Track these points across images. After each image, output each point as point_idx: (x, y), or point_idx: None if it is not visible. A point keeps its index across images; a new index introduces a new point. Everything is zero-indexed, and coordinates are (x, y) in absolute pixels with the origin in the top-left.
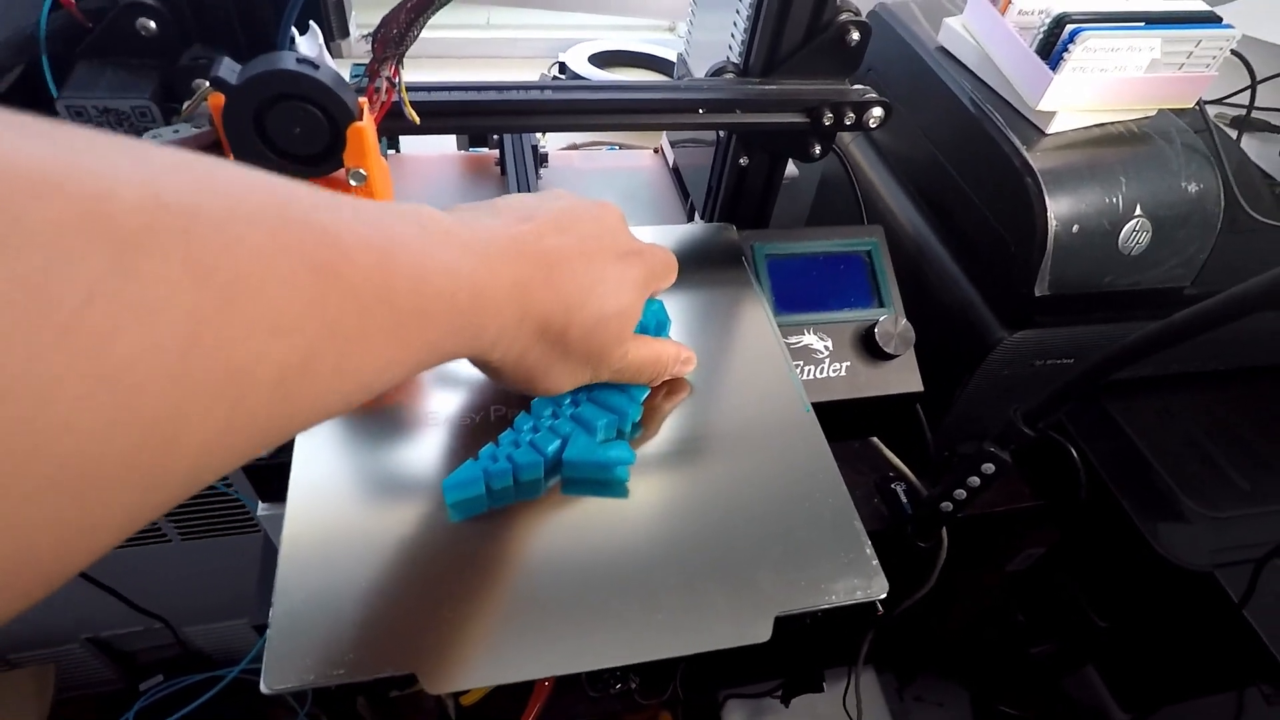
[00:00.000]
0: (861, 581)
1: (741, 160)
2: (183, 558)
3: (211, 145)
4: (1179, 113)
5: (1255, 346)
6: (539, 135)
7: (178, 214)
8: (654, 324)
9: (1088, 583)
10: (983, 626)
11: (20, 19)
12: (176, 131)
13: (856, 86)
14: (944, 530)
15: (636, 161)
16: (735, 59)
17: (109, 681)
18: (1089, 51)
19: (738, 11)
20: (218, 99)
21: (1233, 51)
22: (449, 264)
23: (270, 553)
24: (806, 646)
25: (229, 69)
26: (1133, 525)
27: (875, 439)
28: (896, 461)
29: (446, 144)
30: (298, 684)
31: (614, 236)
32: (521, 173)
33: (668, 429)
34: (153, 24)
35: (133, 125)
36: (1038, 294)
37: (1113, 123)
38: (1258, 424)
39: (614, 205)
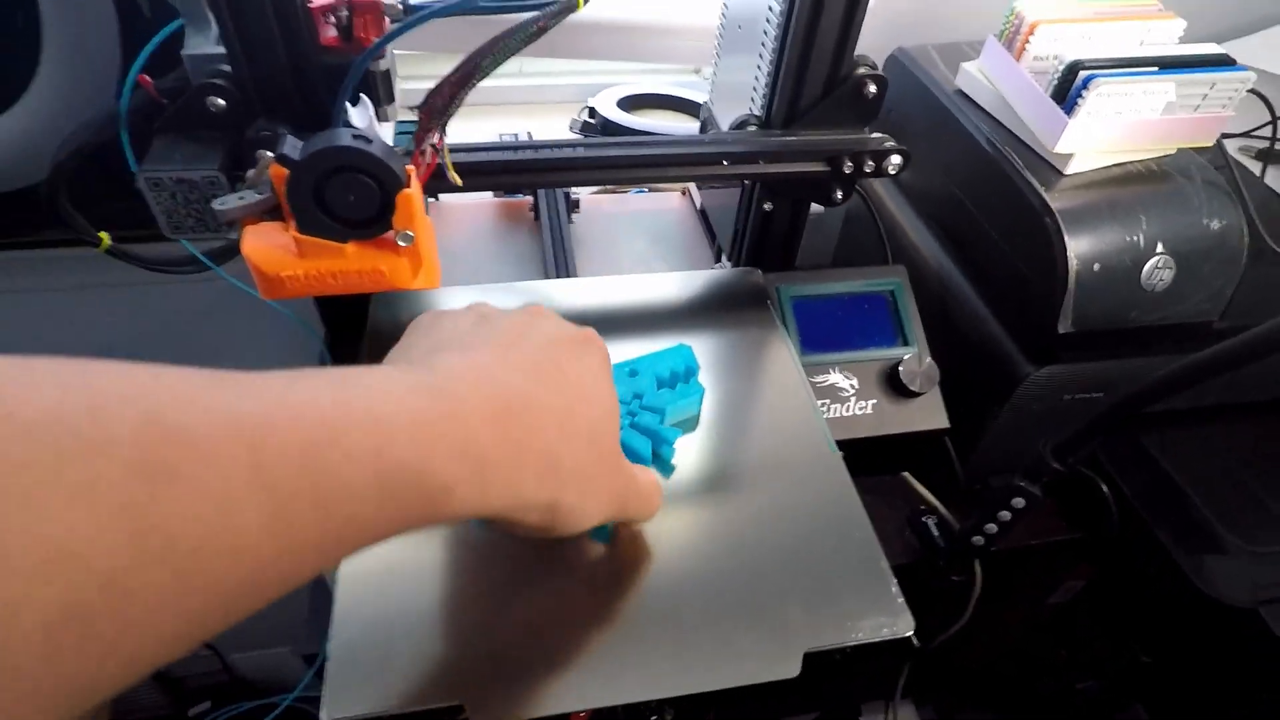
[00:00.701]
0: (888, 619)
1: (766, 206)
2: None
3: (272, 209)
4: (1199, 150)
5: None
6: None
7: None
8: (683, 369)
9: (1131, 618)
10: (1024, 661)
11: (102, 93)
12: (242, 198)
13: (875, 135)
14: (977, 564)
15: (665, 203)
16: (758, 110)
17: (160, 707)
18: (1102, 97)
19: (759, 66)
20: (279, 170)
21: (1250, 90)
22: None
23: (319, 584)
24: (842, 680)
25: (292, 146)
26: (1172, 560)
27: (906, 474)
28: (928, 495)
29: (483, 191)
30: (356, 713)
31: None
32: (554, 218)
33: (696, 468)
34: (222, 101)
35: (203, 193)
36: (1061, 331)
37: (1132, 162)
38: None
39: (599, 344)
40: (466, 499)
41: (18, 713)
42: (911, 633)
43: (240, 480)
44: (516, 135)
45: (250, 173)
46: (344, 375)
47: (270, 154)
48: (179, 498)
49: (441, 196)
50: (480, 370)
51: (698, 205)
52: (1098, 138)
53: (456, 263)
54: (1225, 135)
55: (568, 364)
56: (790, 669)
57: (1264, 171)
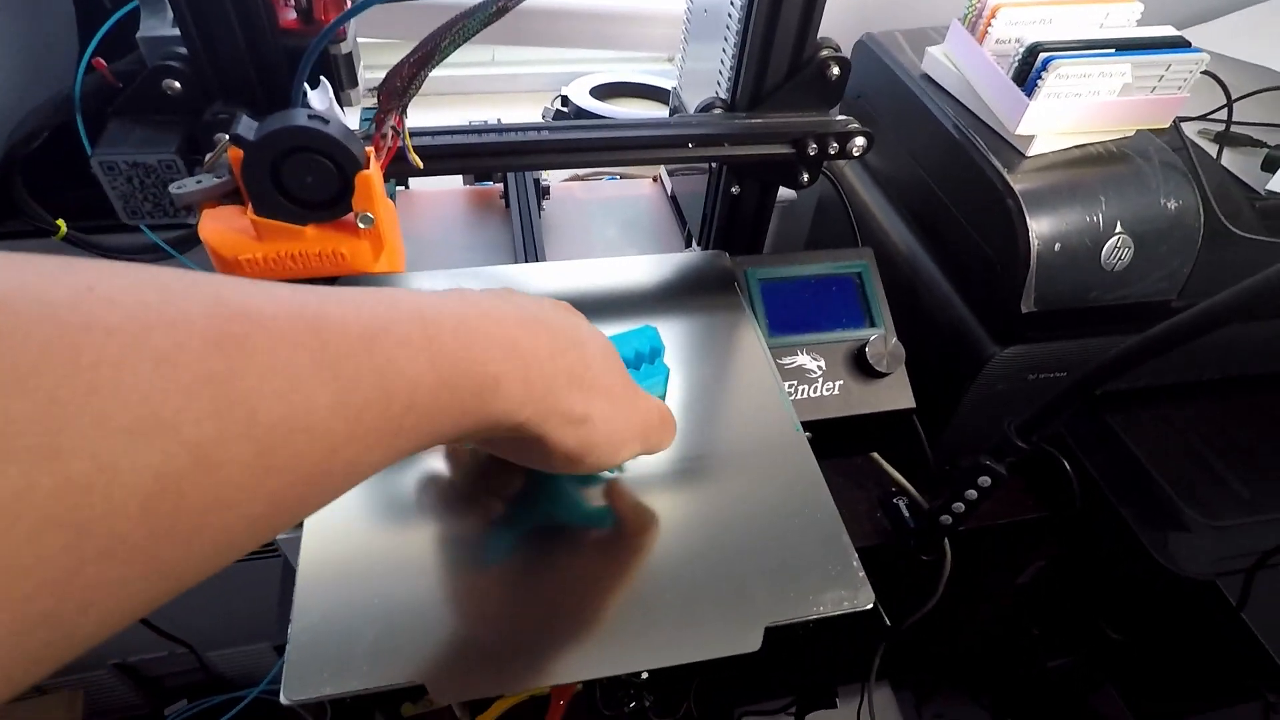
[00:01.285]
0: (848, 593)
1: (733, 189)
2: (205, 582)
3: (231, 193)
4: (1157, 132)
5: (1252, 355)
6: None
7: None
8: (648, 349)
9: (1099, 596)
10: (997, 641)
11: (58, 81)
12: (199, 182)
13: (840, 117)
14: (946, 543)
15: (636, 190)
16: (723, 94)
17: (135, 707)
18: (1061, 78)
19: (724, 50)
20: (237, 152)
21: (1205, 72)
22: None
23: (289, 575)
24: (818, 662)
25: (247, 126)
26: (1135, 536)
27: (876, 454)
28: (897, 476)
29: (453, 179)
30: (315, 695)
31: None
32: (525, 206)
33: (663, 450)
34: (178, 84)
35: (159, 177)
36: (1024, 310)
37: (1092, 144)
38: (1257, 432)
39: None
40: (512, 394)
41: (114, 594)
42: (871, 605)
43: (307, 359)
44: (485, 122)
45: (208, 157)
46: (383, 288)
47: (227, 137)
48: (255, 372)
49: (412, 184)
50: (498, 298)
51: (669, 192)
52: (1058, 119)
53: (427, 250)
54: (1182, 118)
55: (560, 316)
56: (751, 643)
57: (1220, 153)
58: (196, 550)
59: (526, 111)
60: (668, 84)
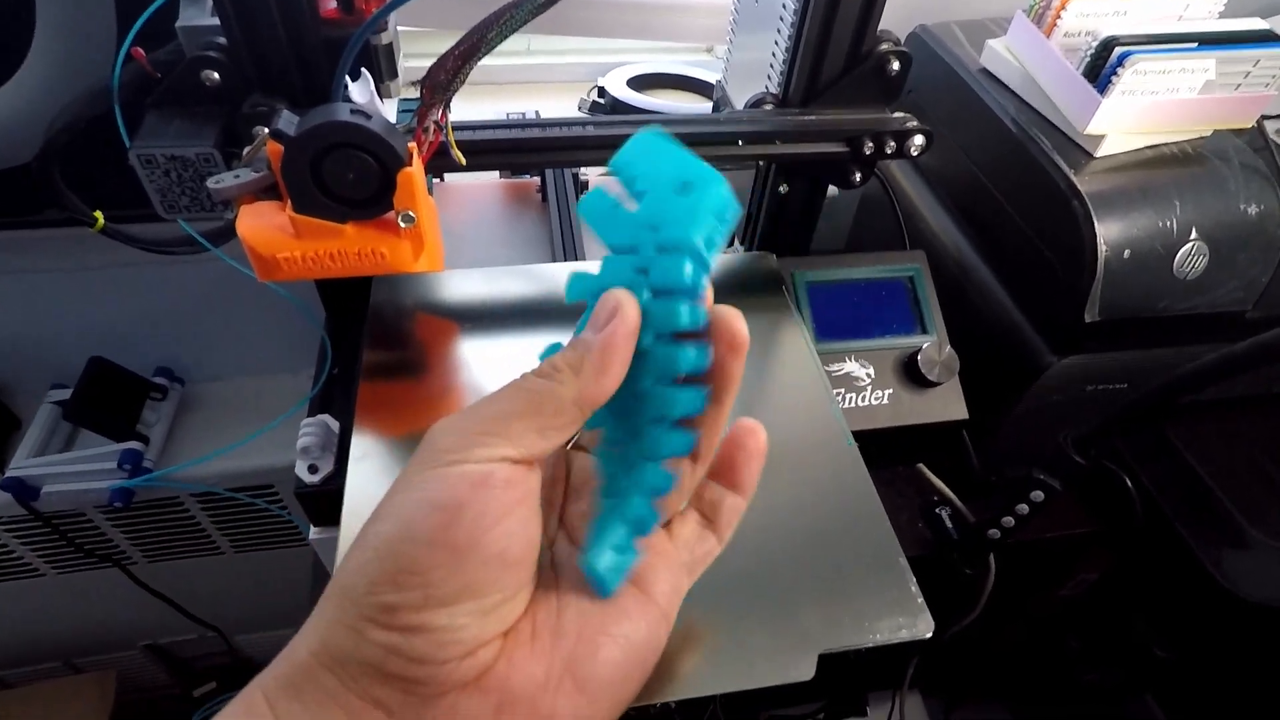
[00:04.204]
0: (906, 620)
1: (781, 188)
2: (235, 569)
3: (269, 188)
4: (1237, 132)
5: None
6: None
7: None
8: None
9: (1148, 612)
10: (1033, 652)
11: (96, 72)
12: (237, 176)
13: (897, 115)
14: (991, 557)
15: None
16: (774, 89)
17: (166, 686)
18: (1139, 75)
19: (776, 43)
20: (276, 147)
21: None
22: None
23: (321, 572)
24: (850, 671)
25: (288, 121)
26: (1192, 554)
27: (921, 465)
28: (942, 487)
29: (489, 172)
30: None
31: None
32: (562, 200)
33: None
34: (216, 75)
35: (197, 171)
36: (1088, 319)
37: (1166, 144)
38: None
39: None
40: None
41: None
42: (930, 634)
43: None
44: (524, 115)
45: (246, 150)
46: None
47: (266, 130)
48: None
49: (446, 177)
50: None
51: None
52: (1131, 118)
53: (462, 245)
54: (1265, 116)
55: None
56: (804, 671)
57: None
58: None
59: (562, 103)
60: (707, 75)
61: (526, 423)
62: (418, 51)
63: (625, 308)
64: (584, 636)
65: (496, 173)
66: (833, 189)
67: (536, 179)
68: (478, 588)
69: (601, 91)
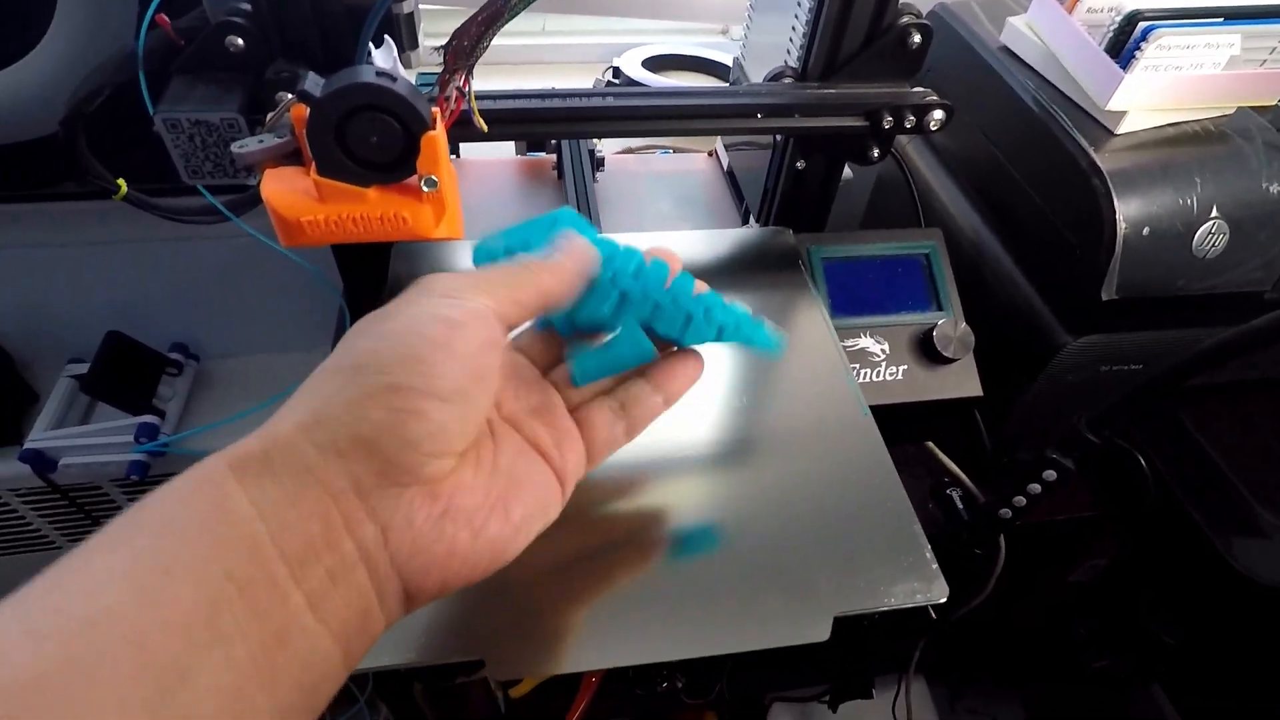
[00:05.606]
0: (921, 585)
1: (799, 164)
2: None
3: (292, 154)
4: (1261, 109)
5: None
6: (595, 140)
7: None
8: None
9: (1157, 597)
10: (1040, 637)
11: (120, 38)
12: (261, 141)
13: (917, 89)
14: (1001, 537)
15: (690, 165)
16: (793, 63)
17: None
18: (1163, 50)
19: (796, 16)
20: (300, 110)
21: None
22: None
23: None
24: (857, 652)
25: (314, 83)
26: (1205, 538)
27: (930, 444)
28: (953, 467)
29: (505, 148)
30: (372, 664)
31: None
32: (579, 177)
33: (725, 430)
34: (241, 41)
35: (221, 136)
36: (1105, 298)
37: (1188, 121)
38: None
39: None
40: None
41: None
42: (945, 598)
43: None
44: None
45: (270, 115)
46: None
47: (290, 96)
48: None
49: (463, 153)
50: None
51: (725, 167)
52: (1154, 94)
53: (478, 220)
54: None
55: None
56: (820, 633)
57: None
58: None
59: (577, 83)
60: (722, 57)
61: (505, 291)
62: (436, 31)
63: (576, 237)
64: (512, 479)
65: (513, 150)
66: (847, 172)
67: (552, 156)
68: (466, 395)
69: (616, 72)
